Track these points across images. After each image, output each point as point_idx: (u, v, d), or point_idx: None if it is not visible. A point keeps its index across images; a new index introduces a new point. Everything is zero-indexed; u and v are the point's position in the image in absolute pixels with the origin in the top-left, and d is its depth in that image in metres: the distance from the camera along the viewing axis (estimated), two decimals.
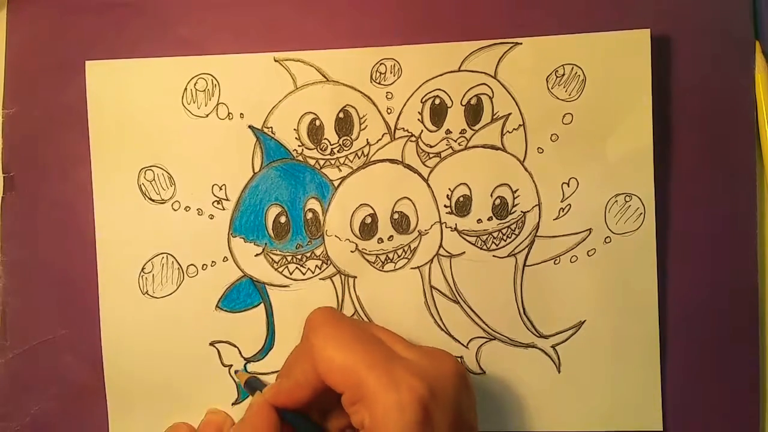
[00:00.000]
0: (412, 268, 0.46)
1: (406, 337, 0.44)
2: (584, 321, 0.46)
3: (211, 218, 0.46)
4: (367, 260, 0.46)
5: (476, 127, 0.46)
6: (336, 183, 0.46)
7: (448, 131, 0.46)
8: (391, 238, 0.46)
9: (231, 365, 0.46)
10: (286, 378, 0.41)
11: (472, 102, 0.46)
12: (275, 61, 0.46)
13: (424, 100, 0.46)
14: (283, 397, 0.41)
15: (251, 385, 0.45)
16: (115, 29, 0.47)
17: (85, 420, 0.46)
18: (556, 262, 0.46)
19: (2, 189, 0.47)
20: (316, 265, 0.46)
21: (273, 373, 0.46)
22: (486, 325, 0.46)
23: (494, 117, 0.46)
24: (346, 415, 0.40)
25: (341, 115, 0.46)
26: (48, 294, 0.46)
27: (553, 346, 0.46)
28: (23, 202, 0.47)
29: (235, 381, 0.46)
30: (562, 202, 0.46)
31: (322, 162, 0.46)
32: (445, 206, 0.46)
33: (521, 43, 0.46)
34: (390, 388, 0.37)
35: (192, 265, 0.46)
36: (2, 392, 0.46)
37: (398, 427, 0.36)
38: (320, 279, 0.46)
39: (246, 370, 0.46)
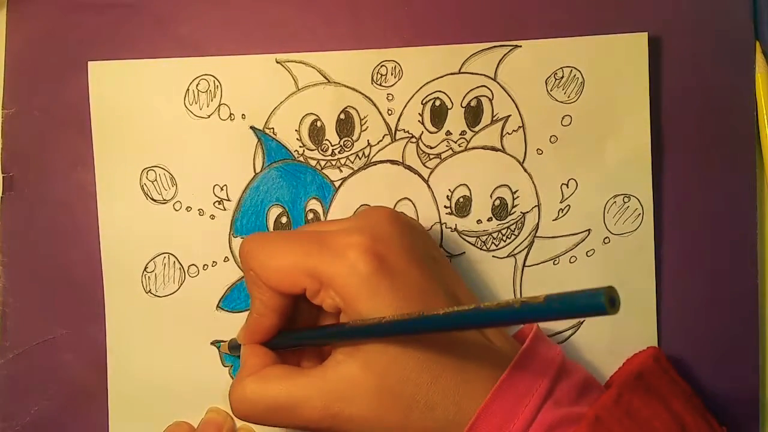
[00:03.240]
0: None
1: None
2: (583, 321, 0.47)
3: (212, 218, 0.46)
4: None
5: (476, 129, 0.47)
6: (337, 184, 0.46)
7: (448, 132, 0.47)
8: None
9: (231, 365, 0.46)
10: (250, 315, 0.42)
11: (472, 104, 0.47)
12: (277, 62, 0.46)
13: (424, 101, 0.46)
14: (255, 330, 0.41)
15: (234, 346, 0.44)
16: (115, 29, 0.47)
17: (85, 420, 0.46)
18: (556, 262, 0.47)
19: (2, 189, 0.47)
20: None
21: None
22: None
23: (494, 118, 0.47)
24: (327, 312, 0.40)
25: (342, 116, 0.46)
26: (48, 294, 0.46)
27: None
28: (23, 202, 0.46)
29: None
30: (561, 203, 0.47)
31: (323, 163, 0.46)
32: (445, 207, 0.47)
33: (521, 46, 0.46)
34: (336, 257, 0.37)
35: (193, 264, 0.46)
36: (2, 392, 0.46)
37: (361, 285, 0.37)
38: None
39: None
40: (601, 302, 0.26)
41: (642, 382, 0.41)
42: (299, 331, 0.42)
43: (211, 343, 0.46)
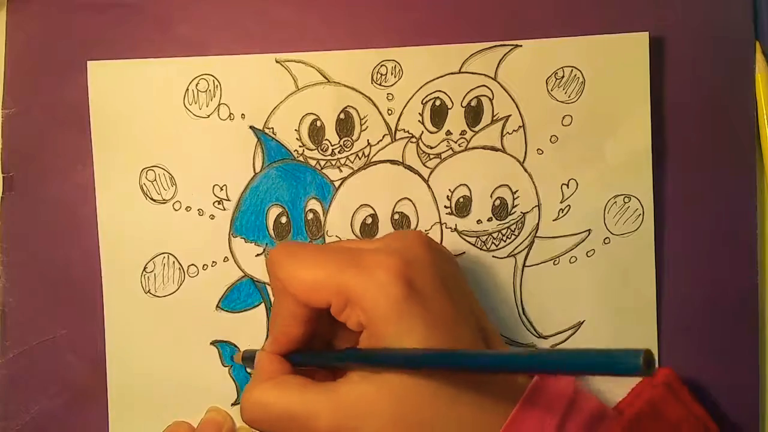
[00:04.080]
0: None
1: None
2: (583, 321, 0.47)
3: (212, 218, 0.46)
4: None
5: (476, 129, 0.47)
6: (337, 183, 0.46)
7: (448, 132, 0.46)
8: None
9: (231, 365, 0.46)
10: (274, 325, 0.41)
11: (473, 103, 0.46)
12: (276, 62, 0.46)
13: (424, 101, 0.46)
14: (280, 341, 0.40)
15: (248, 357, 0.44)
16: (115, 29, 0.47)
17: (85, 420, 0.46)
18: (556, 262, 0.47)
19: (2, 189, 0.47)
20: None
21: None
22: None
23: (494, 118, 0.46)
24: (345, 329, 0.39)
25: (342, 116, 0.46)
26: (48, 294, 0.46)
27: (552, 347, 0.47)
28: (23, 202, 0.46)
29: (235, 382, 0.46)
30: (561, 203, 0.47)
31: (323, 163, 0.46)
32: (445, 207, 0.47)
33: (521, 46, 0.46)
34: (367, 276, 0.36)
35: (193, 264, 0.46)
36: (2, 392, 0.46)
37: (390, 307, 0.36)
38: None
39: (246, 372, 0.46)
40: (638, 364, 0.26)
41: (654, 411, 0.41)
42: (321, 353, 0.42)
43: (211, 343, 0.46)
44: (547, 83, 0.46)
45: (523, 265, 0.47)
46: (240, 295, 0.46)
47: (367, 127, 0.46)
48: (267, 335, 0.46)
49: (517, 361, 0.32)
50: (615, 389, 0.46)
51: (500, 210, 0.47)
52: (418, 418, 0.35)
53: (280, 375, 0.40)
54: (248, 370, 0.46)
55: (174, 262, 0.46)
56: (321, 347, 0.42)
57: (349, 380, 0.37)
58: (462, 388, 0.36)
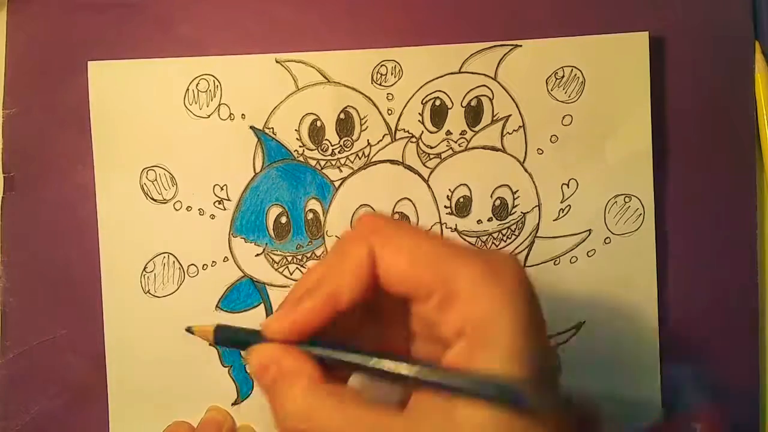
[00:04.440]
0: None
1: None
2: (584, 322, 0.47)
3: (212, 218, 0.46)
4: None
5: (476, 129, 0.46)
6: (337, 183, 0.46)
7: (448, 132, 0.46)
8: None
9: (231, 365, 0.46)
10: (308, 298, 0.33)
11: (473, 103, 0.46)
12: (277, 62, 0.46)
13: (424, 101, 0.46)
14: (308, 321, 0.32)
15: (226, 338, 0.37)
16: (115, 29, 0.47)
17: (85, 420, 0.46)
18: (556, 262, 0.47)
19: (2, 189, 0.47)
20: None
21: None
22: None
23: (494, 118, 0.46)
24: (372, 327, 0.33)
25: (342, 116, 0.46)
26: (48, 294, 0.46)
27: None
28: (23, 202, 0.47)
29: (234, 382, 0.46)
30: (561, 203, 0.47)
31: (323, 163, 0.46)
32: (446, 207, 0.47)
33: (521, 45, 0.46)
34: (494, 280, 0.30)
35: (193, 264, 0.46)
36: (2, 392, 0.46)
37: (509, 325, 0.29)
38: None
39: (246, 372, 0.46)
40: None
41: None
42: (369, 355, 0.32)
43: (211, 344, 0.46)
44: (547, 83, 0.46)
45: (524, 266, 0.47)
46: (240, 296, 0.46)
47: (367, 127, 0.46)
48: None
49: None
50: None
51: (500, 210, 0.47)
52: None
53: (320, 379, 0.32)
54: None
55: (174, 262, 0.46)
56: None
57: (422, 410, 0.31)
58: None
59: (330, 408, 0.31)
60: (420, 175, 0.46)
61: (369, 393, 0.33)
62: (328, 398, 0.31)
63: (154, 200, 0.46)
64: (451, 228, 0.46)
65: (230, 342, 0.37)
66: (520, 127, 0.46)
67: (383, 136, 0.46)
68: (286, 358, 0.33)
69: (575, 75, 0.46)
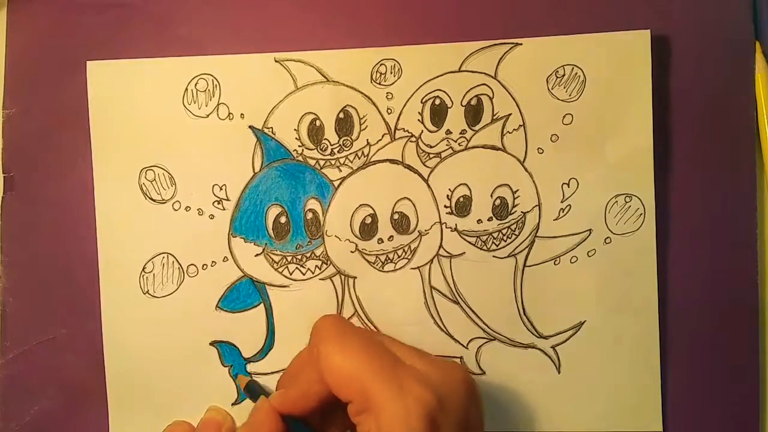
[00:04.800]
0: (412, 269, 0.46)
1: (407, 338, 0.44)
2: (584, 321, 0.46)
3: (211, 218, 0.46)
4: (367, 260, 0.46)
5: (476, 128, 0.46)
6: (336, 183, 0.46)
7: (448, 131, 0.46)
8: (391, 238, 0.46)
9: (231, 365, 0.46)
10: (292, 386, 0.41)
11: (473, 102, 0.46)
12: (276, 61, 0.46)
13: (424, 100, 0.46)
14: (288, 404, 0.41)
15: (251, 389, 0.45)
16: (115, 29, 0.47)
17: (85, 420, 0.46)
18: (556, 262, 0.46)
19: (2, 189, 0.47)
20: (316, 266, 0.46)
21: (273, 373, 0.46)
22: (486, 325, 0.46)
23: (494, 117, 0.46)
24: (346, 421, 0.39)
25: (341, 115, 0.46)
26: (48, 294, 0.46)
27: (553, 347, 0.46)
28: (23, 202, 0.47)
29: (235, 382, 0.46)
30: (562, 202, 0.46)
31: (322, 162, 0.46)
32: (445, 206, 0.46)
33: (521, 44, 0.46)
34: (397, 398, 0.36)
35: (192, 264, 0.46)
36: (2, 392, 0.46)
37: None
38: (320, 279, 0.46)
39: (246, 372, 0.46)
40: None
41: None
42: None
43: (211, 344, 0.46)
44: (547, 82, 0.46)
45: (524, 265, 0.46)
46: (239, 295, 0.46)
47: (367, 126, 0.46)
48: (267, 338, 0.46)
49: None
50: None
51: (501, 209, 0.46)
52: None
53: None
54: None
55: (173, 262, 0.46)
56: (318, 418, 0.42)
57: None
58: None
59: None
60: (420, 175, 0.46)
61: None
62: None
63: (153, 200, 0.46)
64: (451, 228, 0.46)
65: (251, 394, 0.45)
66: (520, 126, 0.46)
67: (383, 136, 0.46)
68: (261, 415, 0.41)
69: (576, 74, 0.46)
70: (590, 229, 0.46)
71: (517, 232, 0.46)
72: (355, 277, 0.46)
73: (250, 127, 0.46)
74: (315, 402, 0.40)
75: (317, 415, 0.42)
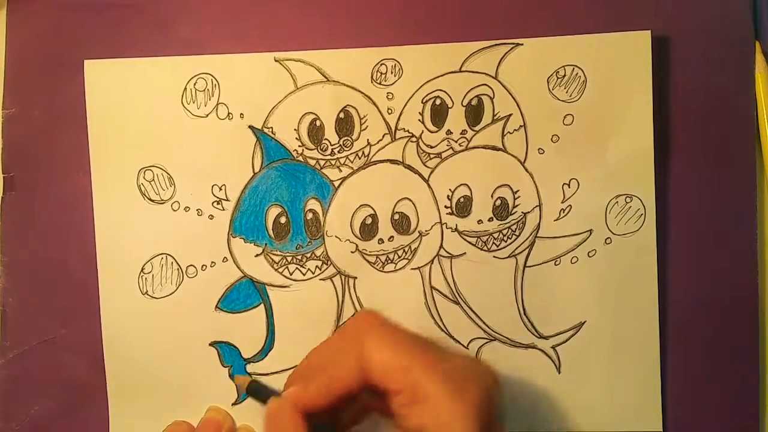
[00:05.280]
0: (412, 269, 0.46)
1: None
2: (584, 322, 0.46)
3: (210, 218, 0.46)
4: (368, 261, 0.46)
5: (477, 128, 0.46)
6: (336, 183, 0.46)
7: (448, 132, 0.46)
8: (391, 238, 0.46)
9: (231, 366, 0.46)
10: (312, 381, 0.40)
11: (473, 102, 0.46)
12: (275, 61, 0.46)
13: (424, 100, 0.46)
14: (308, 399, 0.39)
15: (255, 390, 0.44)
16: (114, 29, 0.47)
17: (85, 420, 0.46)
18: (557, 263, 0.46)
19: (2, 189, 0.47)
20: (317, 266, 0.46)
21: (273, 373, 0.46)
22: (486, 325, 0.46)
23: (495, 118, 0.46)
24: (350, 421, 0.39)
25: (342, 115, 0.46)
26: (48, 294, 0.46)
27: (553, 347, 0.46)
28: (23, 202, 0.47)
29: (234, 383, 0.46)
30: (562, 203, 0.46)
31: (322, 162, 0.46)
32: (446, 207, 0.46)
33: (522, 44, 0.46)
34: (457, 396, 0.36)
35: (191, 265, 0.46)
36: (2, 392, 0.46)
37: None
38: (320, 279, 0.46)
39: (246, 373, 0.46)
40: None
41: None
42: None
43: (211, 344, 0.46)
44: (548, 82, 0.46)
45: (524, 266, 0.46)
46: (239, 296, 0.46)
47: (367, 126, 0.46)
48: (267, 338, 0.46)
49: None
50: None
51: (501, 210, 0.46)
52: None
53: None
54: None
55: (172, 262, 0.46)
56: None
57: None
58: None
59: None
60: (420, 175, 0.46)
61: None
62: None
63: (152, 200, 0.46)
64: (451, 228, 0.46)
65: (256, 394, 0.44)
66: (520, 126, 0.46)
67: (383, 136, 0.46)
68: (284, 419, 0.39)
69: (576, 74, 0.46)
70: (591, 230, 0.46)
71: (517, 233, 0.46)
72: (355, 278, 0.46)
73: (249, 127, 0.46)
74: (335, 397, 0.39)
75: (326, 416, 0.41)
